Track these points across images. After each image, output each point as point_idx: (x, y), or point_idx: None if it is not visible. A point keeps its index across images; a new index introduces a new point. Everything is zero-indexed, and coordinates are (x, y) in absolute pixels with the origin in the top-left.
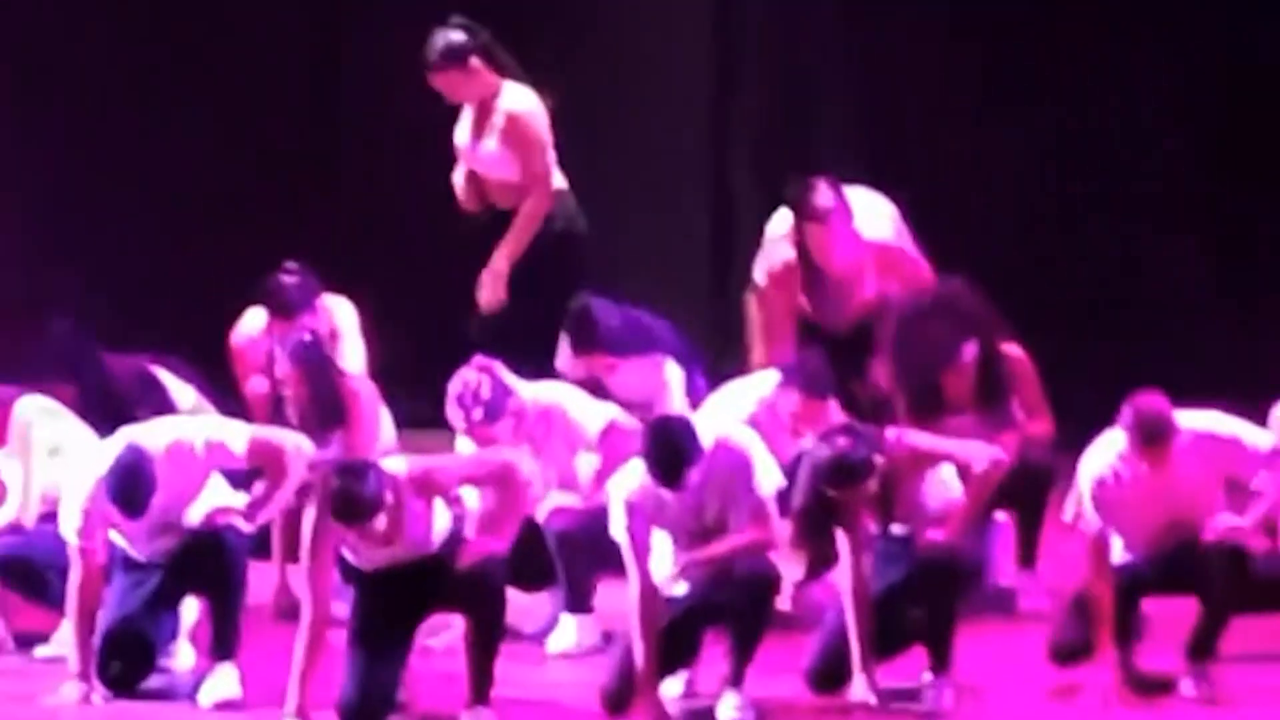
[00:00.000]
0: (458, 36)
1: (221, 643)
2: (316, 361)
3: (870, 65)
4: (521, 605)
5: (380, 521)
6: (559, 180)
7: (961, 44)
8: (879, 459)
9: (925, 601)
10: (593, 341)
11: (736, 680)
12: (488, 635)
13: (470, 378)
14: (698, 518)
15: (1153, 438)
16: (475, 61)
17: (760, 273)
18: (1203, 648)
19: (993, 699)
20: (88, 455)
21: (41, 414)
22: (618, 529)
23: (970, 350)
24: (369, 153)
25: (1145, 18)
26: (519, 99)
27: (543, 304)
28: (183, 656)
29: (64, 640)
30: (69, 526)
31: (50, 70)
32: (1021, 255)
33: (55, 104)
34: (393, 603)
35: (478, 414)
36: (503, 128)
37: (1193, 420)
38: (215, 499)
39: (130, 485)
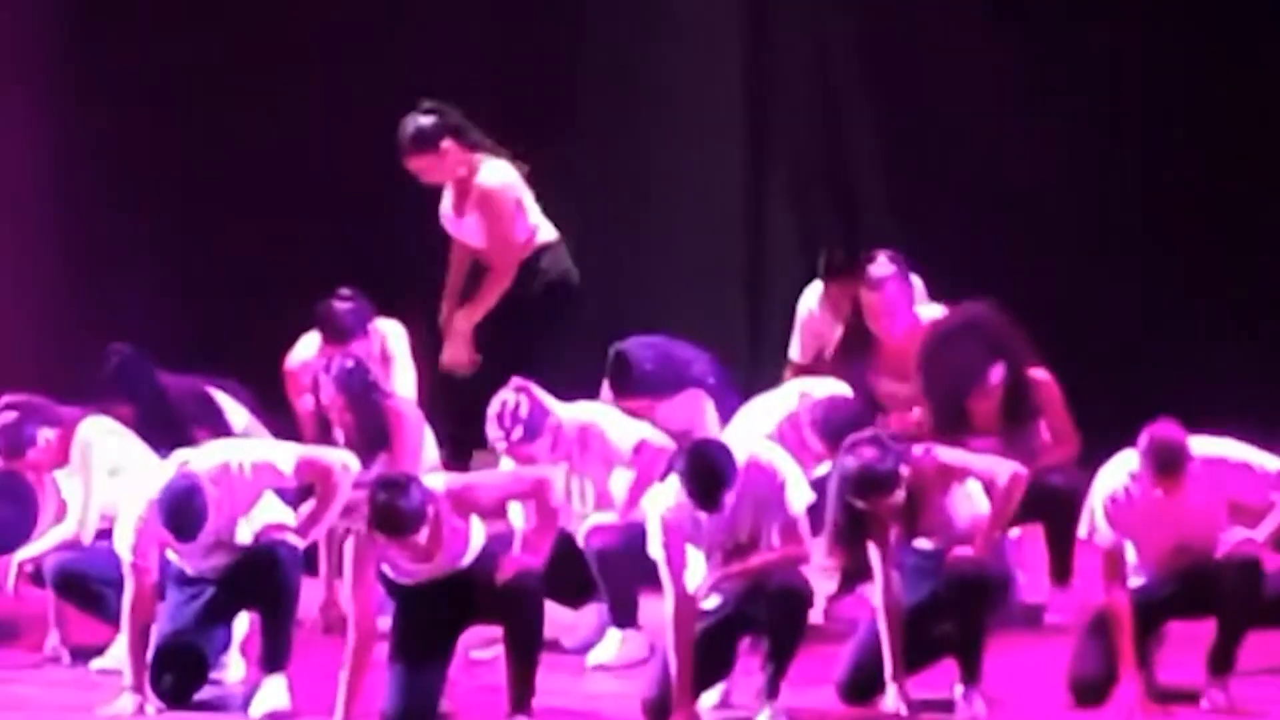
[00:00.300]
0: (427, 121)
1: (272, 656)
2: (360, 387)
3: (895, 95)
4: (564, 620)
5: (422, 535)
6: (549, 233)
7: (985, 66)
8: (905, 470)
9: (955, 615)
10: (631, 386)
11: (772, 692)
12: (526, 646)
13: (509, 398)
14: (731, 534)
15: (1168, 467)
16: (447, 143)
17: (796, 350)
18: (1222, 661)
19: (1021, 710)
20: (143, 476)
21: (103, 434)
22: (654, 546)
23: (997, 373)
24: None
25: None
26: (491, 173)
27: (535, 350)
28: (234, 669)
29: (119, 653)
30: (123, 544)
31: (103, 94)
32: (1052, 279)
33: (115, 127)
34: (432, 616)
35: (517, 433)
36: (477, 201)
37: (1204, 446)
38: (267, 516)
39: (183, 512)
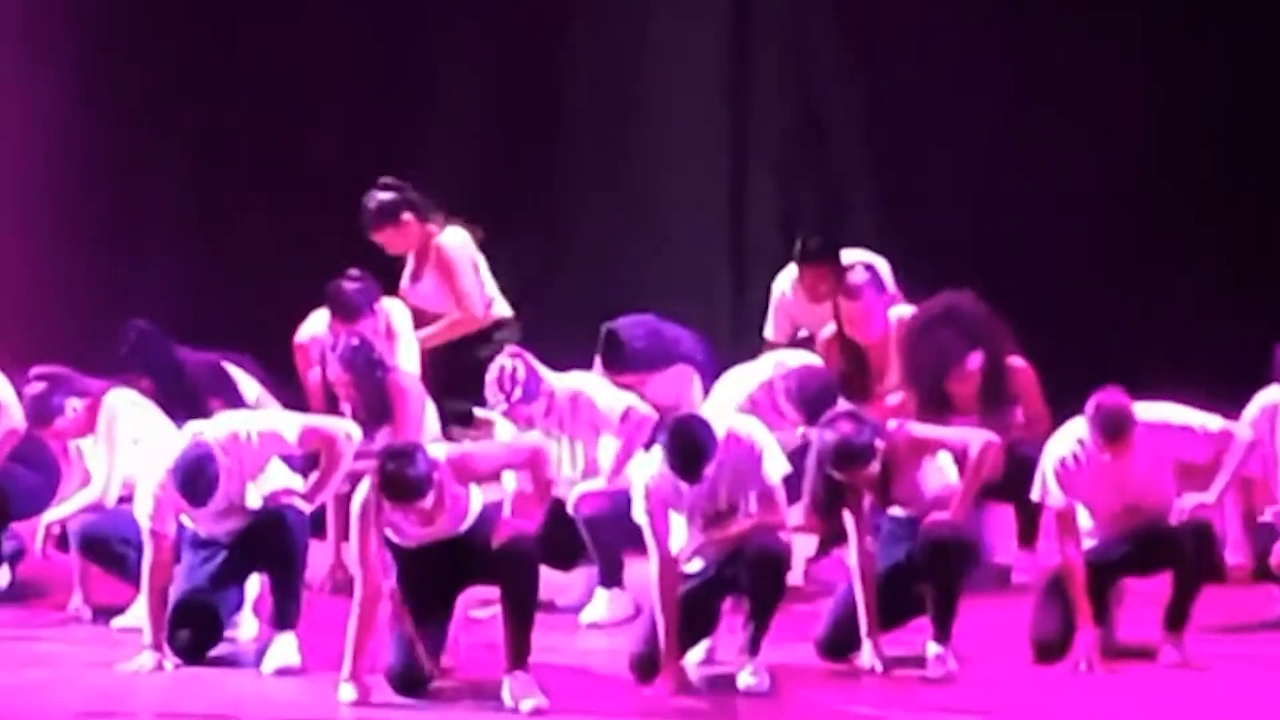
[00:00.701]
0: (387, 197)
1: (283, 614)
2: (364, 364)
3: (876, 82)
4: (556, 582)
5: (427, 502)
6: (505, 309)
7: (965, 53)
8: (880, 444)
9: (930, 576)
10: (622, 362)
11: (753, 649)
12: (522, 606)
13: (506, 364)
14: (711, 502)
15: (1114, 431)
16: (406, 216)
17: (771, 330)
18: (1177, 619)
19: (989, 666)
20: (161, 446)
21: (127, 406)
22: (639, 512)
23: (976, 358)
24: (424, 167)
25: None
26: (451, 235)
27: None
28: (246, 627)
29: (138, 613)
30: (142, 512)
31: (107, 79)
32: (1028, 267)
33: (137, 113)
34: (432, 578)
35: (516, 394)
36: (436, 261)
37: (1147, 411)
38: (276, 482)
39: (195, 479)
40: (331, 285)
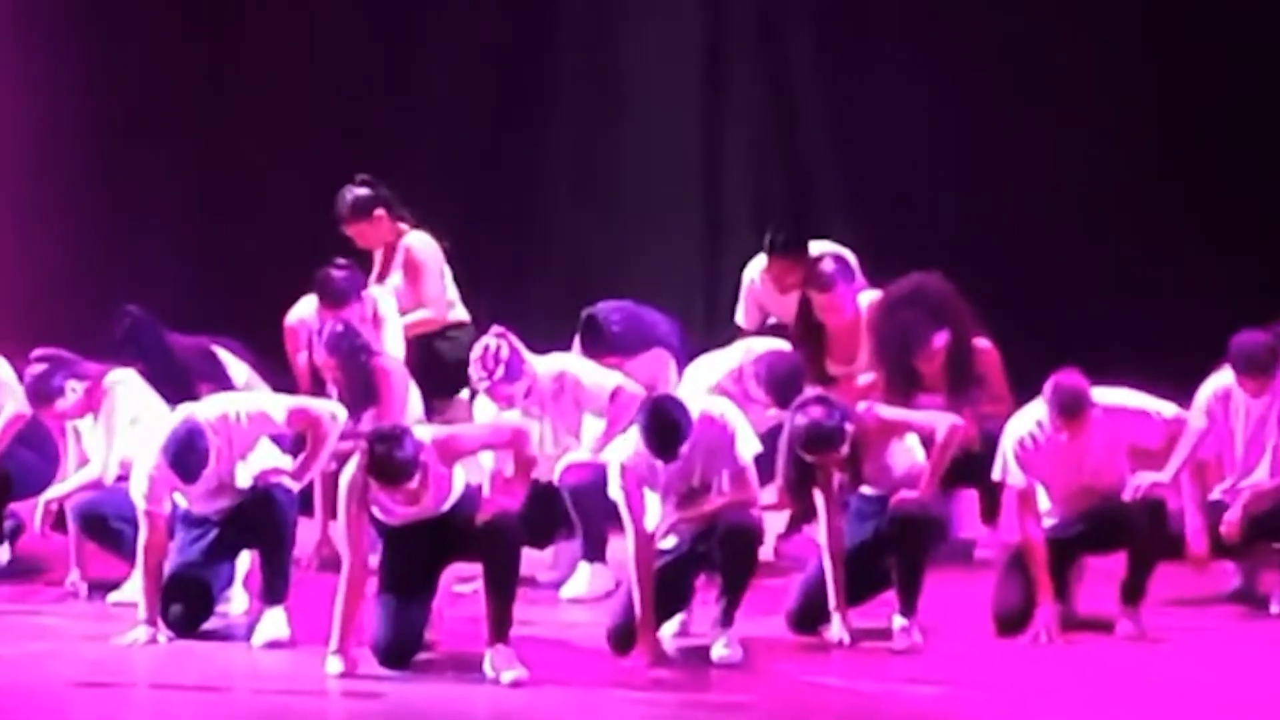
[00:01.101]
0: (363, 192)
1: (272, 589)
2: (349, 349)
3: (842, 80)
4: (536, 558)
5: (414, 482)
6: (462, 313)
7: (923, 52)
8: (849, 427)
9: (898, 552)
10: (601, 345)
11: (726, 621)
12: (504, 581)
13: (491, 343)
14: (685, 480)
15: (1070, 411)
16: (379, 212)
17: (741, 316)
18: (1133, 593)
19: (953, 638)
20: (155, 427)
21: (125, 388)
22: (614, 489)
23: (941, 337)
24: (410, 159)
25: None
26: (418, 238)
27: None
28: (237, 602)
29: (134, 588)
30: (137, 491)
31: (110, 75)
32: (994, 254)
33: (140, 104)
34: (417, 554)
35: (499, 373)
36: (405, 261)
37: (1104, 396)
38: (265, 461)
39: (185, 455)
40: (320, 273)
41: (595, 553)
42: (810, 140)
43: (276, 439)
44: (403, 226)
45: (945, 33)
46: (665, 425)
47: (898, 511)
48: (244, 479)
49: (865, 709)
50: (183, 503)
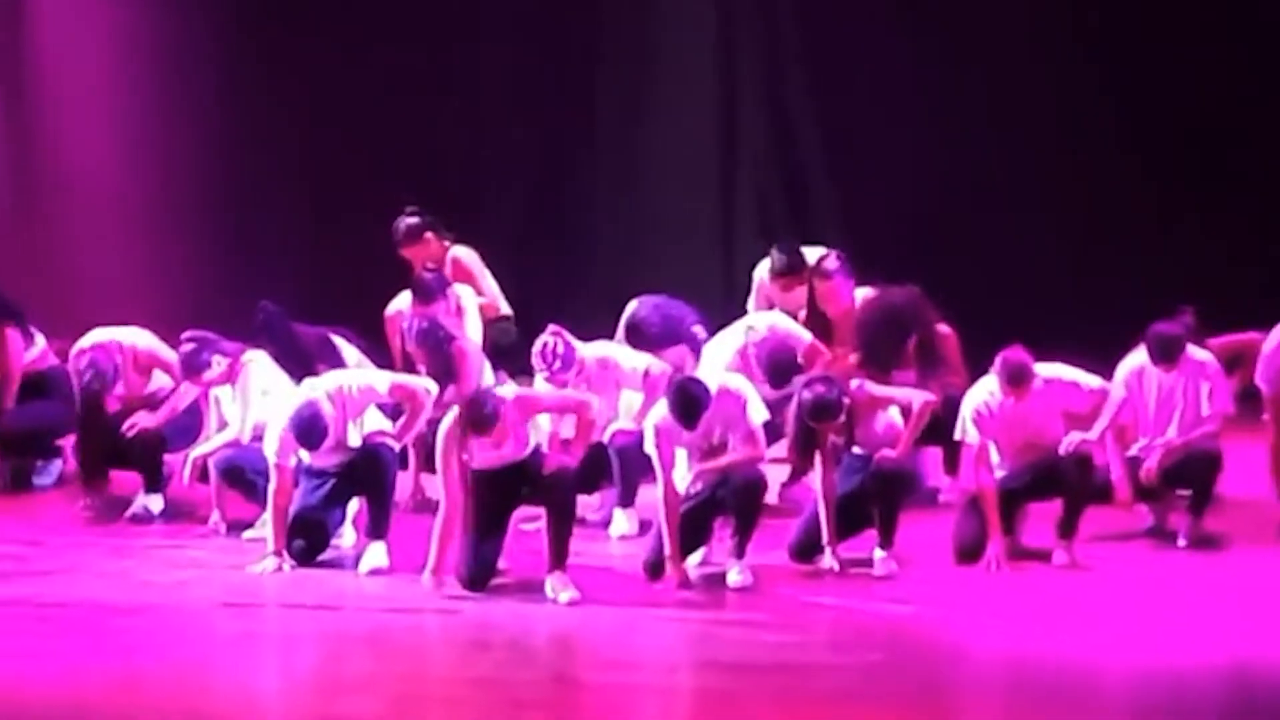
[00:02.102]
0: (414, 220)
1: (376, 527)
2: (433, 341)
3: (835, 98)
4: (585, 501)
5: (499, 430)
6: (505, 308)
7: (903, 79)
8: (846, 401)
9: (879, 498)
10: (641, 342)
11: (740, 554)
12: (563, 520)
13: (549, 340)
14: (706, 440)
15: (1016, 380)
16: (428, 235)
17: (752, 306)
18: (1067, 530)
19: (922, 566)
20: (285, 398)
21: (258, 365)
22: (649, 446)
23: (910, 342)
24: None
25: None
26: (461, 252)
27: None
28: (347, 537)
29: (263, 526)
30: (270, 449)
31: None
32: (956, 252)
33: (265, 130)
34: (493, 500)
35: (556, 365)
36: (454, 273)
37: (1044, 369)
38: (373, 424)
39: (309, 432)
40: (414, 274)
41: (629, 499)
42: (807, 160)
43: (381, 407)
44: (447, 244)
45: (924, 70)
46: (689, 401)
47: (879, 466)
48: (355, 439)
49: (852, 622)
50: (306, 458)
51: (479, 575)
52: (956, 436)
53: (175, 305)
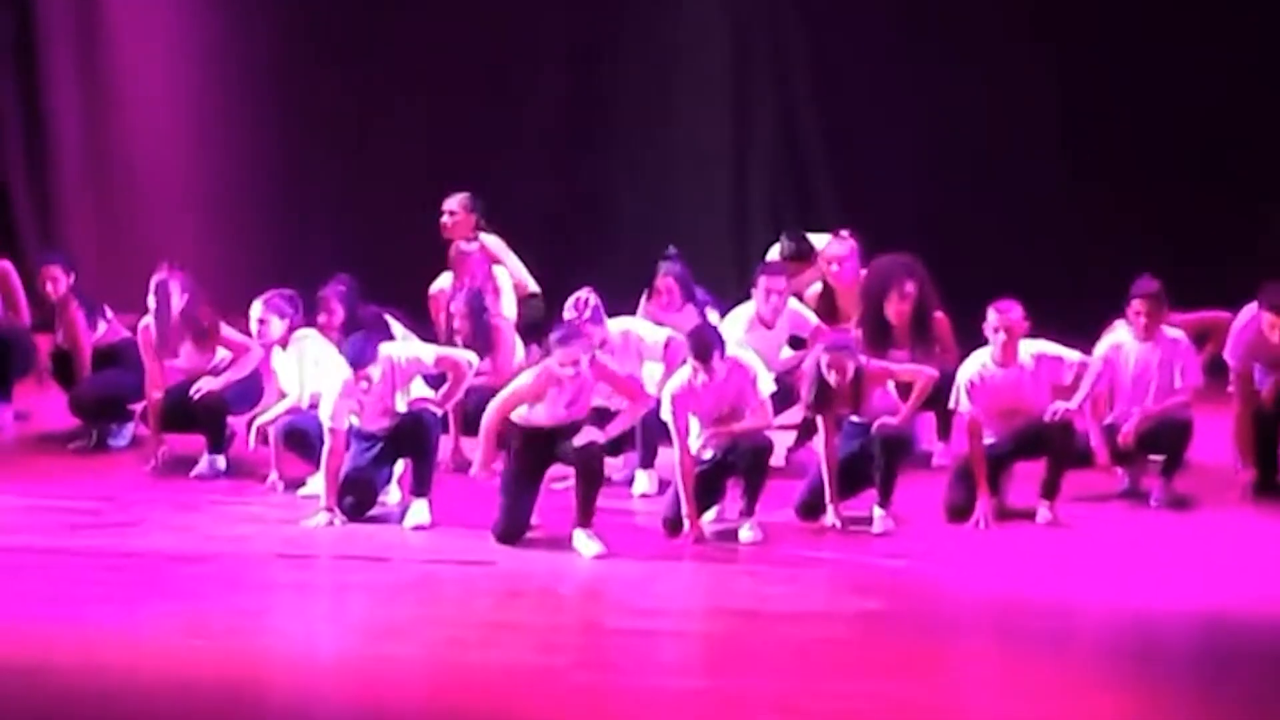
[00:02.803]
0: (460, 194)
1: (419, 486)
2: (476, 310)
3: (837, 91)
4: (611, 462)
5: (579, 389)
6: (534, 286)
7: (905, 74)
8: (859, 359)
9: (880, 461)
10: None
11: (749, 512)
12: (590, 481)
13: (582, 294)
14: (718, 407)
15: (1008, 330)
16: (469, 211)
17: None
18: (1050, 490)
19: (916, 523)
20: (337, 369)
21: (312, 340)
22: (666, 413)
23: (911, 285)
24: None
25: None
26: (489, 239)
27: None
28: (393, 495)
29: (317, 485)
30: (325, 414)
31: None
32: (950, 240)
33: (323, 119)
34: (531, 458)
35: (587, 314)
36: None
37: (1030, 345)
38: (418, 392)
39: (360, 354)
40: (450, 252)
41: (649, 461)
42: (811, 157)
43: (426, 377)
44: (481, 222)
45: (924, 70)
46: (704, 342)
47: (879, 432)
48: (401, 405)
49: (853, 574)
50: (357, 423)
51: (513, 530)
52: (950, 406)
53: (232, 284)
